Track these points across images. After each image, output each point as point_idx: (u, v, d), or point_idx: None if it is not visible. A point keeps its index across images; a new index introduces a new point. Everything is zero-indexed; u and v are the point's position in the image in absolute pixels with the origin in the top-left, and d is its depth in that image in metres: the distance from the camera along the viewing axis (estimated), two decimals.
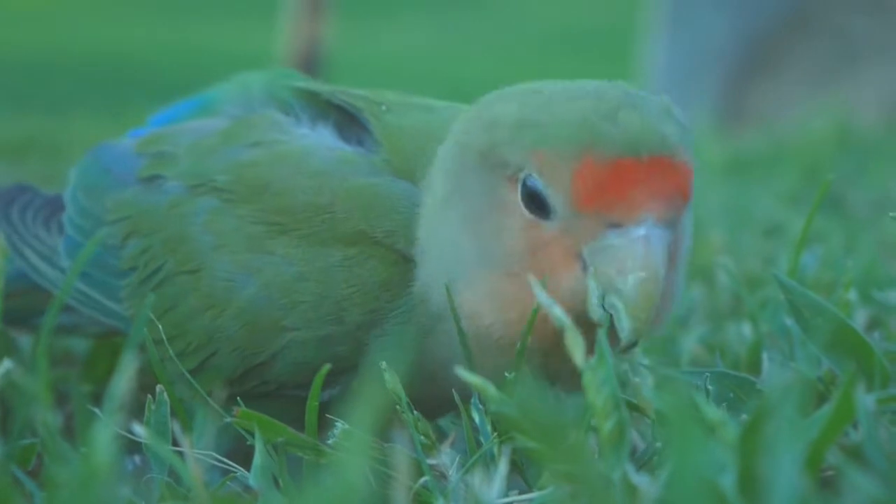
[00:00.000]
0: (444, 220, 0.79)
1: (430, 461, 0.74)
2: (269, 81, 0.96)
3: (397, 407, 0.76)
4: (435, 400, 0.82)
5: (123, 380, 0.67)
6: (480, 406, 0.77)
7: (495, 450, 0.75)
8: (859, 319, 1.06)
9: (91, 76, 9.13)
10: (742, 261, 1.50)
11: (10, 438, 0.81)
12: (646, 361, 0.92)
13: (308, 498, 0.57)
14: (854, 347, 0.78)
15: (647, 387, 0.81)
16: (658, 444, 0.75)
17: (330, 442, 0.75)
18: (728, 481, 0.60)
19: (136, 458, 0.86)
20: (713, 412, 0.66)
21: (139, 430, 0.73)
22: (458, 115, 0.83)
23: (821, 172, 2.44)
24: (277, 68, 0.99)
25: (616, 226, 0.72)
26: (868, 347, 0.77)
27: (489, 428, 0.76)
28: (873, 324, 1.07)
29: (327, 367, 0.78)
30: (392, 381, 0.76)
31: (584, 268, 0.74)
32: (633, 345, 0.73)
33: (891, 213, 0.88)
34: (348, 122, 0.88)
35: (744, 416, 0.73)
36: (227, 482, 0.77)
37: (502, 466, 0.71)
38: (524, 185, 0.74)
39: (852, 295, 0.95)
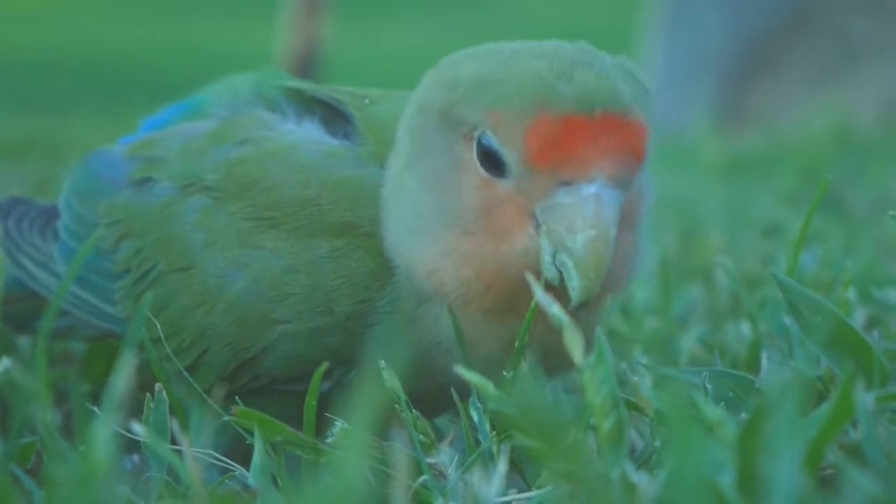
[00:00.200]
0: (406, 182, 0.79)
1: (429, 460, 0.74)
2: (256, 82, 0.96)
3: (396, 406, 0.76)
4: (428, 396, 0.81)
5: (122, 378, 0.67)
6: (479, 405, 0.77)
7: (494, 448, 0.75)
8: (858, 318, 1.06)
9: (91, 76, 9.14)
10: (741, 260, 1.50)
11: (9, 437, 0.81)
12: (645, 360, 0.92)
13: (307, 497, 0.57)
14: (853, 346, 0.78)
15: (646, 386, 0.80)
16: (657, 443, 0.75)
17: (329, 441, 0.75)
18: (727, 480, 0.60)
19: (135, 457, 0.86)
20: (712, 411, 0.66)
21: (138, 428, 0.73)
22: None
23: (820, 172, 2.44)
24: (266, 69, 0.99)
25: (567, 184, 0.72)
26: (867, 346, 0.77)
27: (488, 427, 0.76)
28: (872, 323, 1.07)
29: (325, 365, 0.78)
30: (390, 379, 0.76)
31: (537, 226, 0.74)
32: (583, 304, 0.72)
33: (890, 212, 0.88)
34: (333, 116, 0.88)
35: (743, 415, 0.73)
36: (226, 481, 0.77)
37: (501, 465, 0.71)
38: (479, 143, 0.74)
39: (851, 294, 0.95)
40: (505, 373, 0.78)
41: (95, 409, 0.76)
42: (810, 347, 0.81)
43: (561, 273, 0.72)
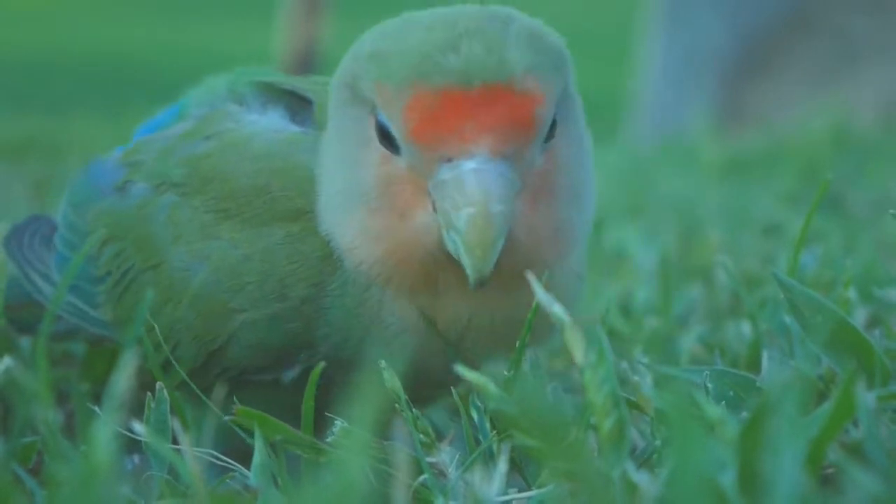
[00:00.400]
0: (327, 160, 0.79)
1: (430, 459, 0.74)
2: (232, 80, 0.95)
3: (396, 405, 0.75)
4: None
5: (123, 378, 0.67)
6: (479, 404, 0.77)
7: (494, 448, 0.75)
8: (859, 318, 1.06)
9: (91, 76, 9.13)
10: (741, 260, 1.50)
11: (10, 436, 0.81)
12: (645, 360, 0.92)
13: (307, 496, 0.57)
14: (854, 345, 0.78)
15: (647, 385, 0.80)
16: (658, 443, 0.75)
17: (329, 440, 0.75)
18: (728, 479, 0.60)
19: (135, 458, 0.86)
20: (713, 410, 0.66)
21: (139, 428, 0.73)
22: None
23: (819, 172, 2.44)
24: (245, 67, 0.99)
25: (448, 160, 0.71)
26: (868, 345, 0.77)
27: (488, 426, 0.76)
28: (873, 322, 1.07)
29: (321, 365, 0.78)
30: (391, 379, 0.76)
31: (433, 204, 0.72)
32: (481, 281, 0.70)
33: (891, 211, 0.88)
34: (299, 104, 0.87)
35: (744, 415, 0.73)
36: (227, 480, 0.77)
37: (502, 464, 0.71)
38: (377, 118, 0.73)
39: (852, 293, 0.95)
40: (505, 371, 0.78)
41: (97, 408, 0.76)
42: (811, 347, 0.81)
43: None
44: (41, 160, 3.10)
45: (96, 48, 10.47)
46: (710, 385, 0.81)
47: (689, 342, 1.11)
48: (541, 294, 0.71)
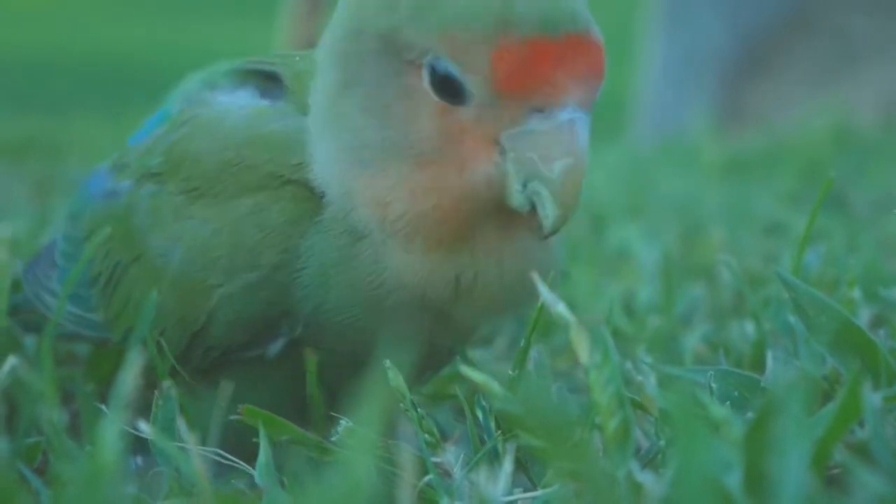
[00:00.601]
0: (340, 114, 0.76)
1: (435, 459, 0.74)
2: (207, 74, 0.94)
3: (401, 405, 0.75)
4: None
5: (129, 378, 0.67)
6: (484, 404, 0.77)
7: (500, 448, 0.75)
8: (863, 317, 1.05)
9: (91, 76, 9.13)
10: (743, 259, 1.50)
11: (15, 436, 0.81)
12: (649, 360, 0.92)
13: (313, 496, 0.57)
14: (859, 345, 0.78)
15: (651, 385, 0.81)
16: (662, 443, 0.75)
17: (334, 439, 0.75)
18: (734, 480, 0.60)
19: (139, 458, 0.86)
20: (718, 410, 0.66)
21: (145, 427, 0.73)
22: None
23: (820, 172, 2.44)
24: (222, 61, 0.98)
25: (539, 110, 0.70)
26: (873, 345, 0.77)
27: (493, 426, 0.76)
28: (877, 321, 1.07)
29: (313, 360, 0.77)
30: (395, 378, 0.75)
31: (502, 153, 0.71)
32: (555, 232, 0.71)
33: (894, 211, 0.88)
34: (269, 82, 0.86)
35: (749, 415, 0.73)
36: (232, 479, 0.77)
37: (507, 464, 0.70)
38: (433, 69, 0.72)
39: (856, 293, 0.95)
40: (510, 371, 0.78)
41: (103, 407, 0.76)
42: (816, 346, 0.80)
43: (532, 202, 0.71)
44: (41, 160, 3.09)
45: (96, 48, 10.47)
46: (714, 385, 0.81)
47: (692, 342, 1.11)
48: (545, 294, 0.71)
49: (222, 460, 0.78)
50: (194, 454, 0.71)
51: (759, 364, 0.97)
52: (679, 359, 1.06)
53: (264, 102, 0.84)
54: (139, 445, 0.78)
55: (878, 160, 2.77)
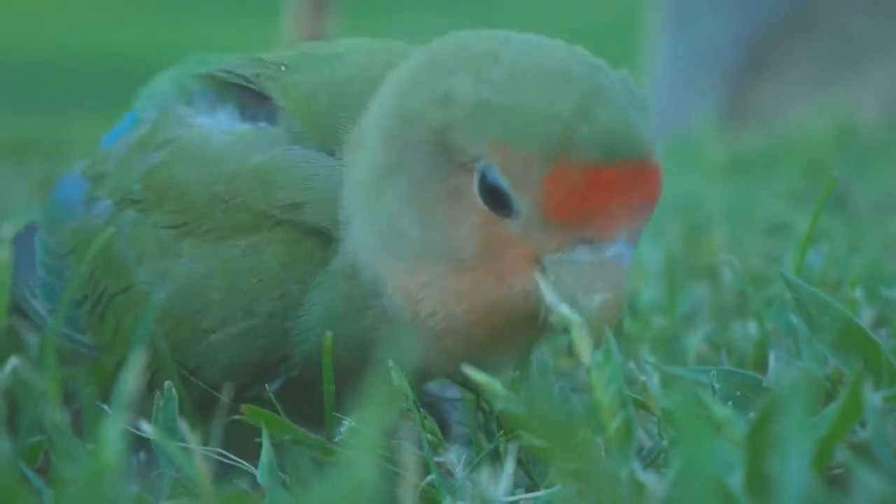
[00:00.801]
0: (381, 197, 0.73)
1: (437, 459, 0.74)
2: (179, 75, 0.90)
3: (404, 405, 0.75)
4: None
5: (130, 377, 0.67)
6: (485, 404, 0.77)
7: (502, 447, 0.75)
8: (866, 317, 1.06)
9: (91, 76, 9.13)
10: (746, 259, 1.50)
11: (18, 436, 0.81)
12: (652, 359, 0.92)
13: (316, 496, 0.57)
14: (861, 345, 0.78)
15: (654, 385, 0.81)
16: (665, 443, 0.75)
17: (337, 440, 0.75)
18: (736, 480, 0.60)
19: (141, 455, 0.86)
20: (720, 410, 0.66)
21: (146, 427, 0.73)
22: (372, 61, 0.78)
23: (823, 171, 2.44)
24: (192, 57, 0.94)
25: (586, 241, 0.69)
26: (875, 345, 0.77)
27: (495, 426, 0.76)
28: (880, 321, 1.07)
29: (331, 387, 0.77)
30: (398, 379, 0.75)
31: (543, 271, 0.70)
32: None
33: None
34: (251, 97, 0.82)
35: (751, 415, 0.73)
36: (235, 479, 0.77)
37: (509, 464, 0.70)
38: (483, 177, 0.69)
39: (858, 293, 0.95)
40: (512, 371, 0.78)
41: (105, 407, 0.76)
42: (818, 347, 0.80)
43: (567, 326, 0.69)
44: (43, 160, 3.10)
45: (97, 48, 10.47)
46: (717, 385, 0.81)
47: (695, 341, 1.11)
48: (549, 296, 0.71)
49: (225, 460, 0.78)
50: (196, 454, 0.71)
51: (761, 364, 0.97)
52: (682, 359, 1.06)
53: (246, 126, 0.80)
54: (142, 441, 0.78)
55: (881, 160, 2.77)
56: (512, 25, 0.77)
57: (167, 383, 0.78)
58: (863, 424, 0.68)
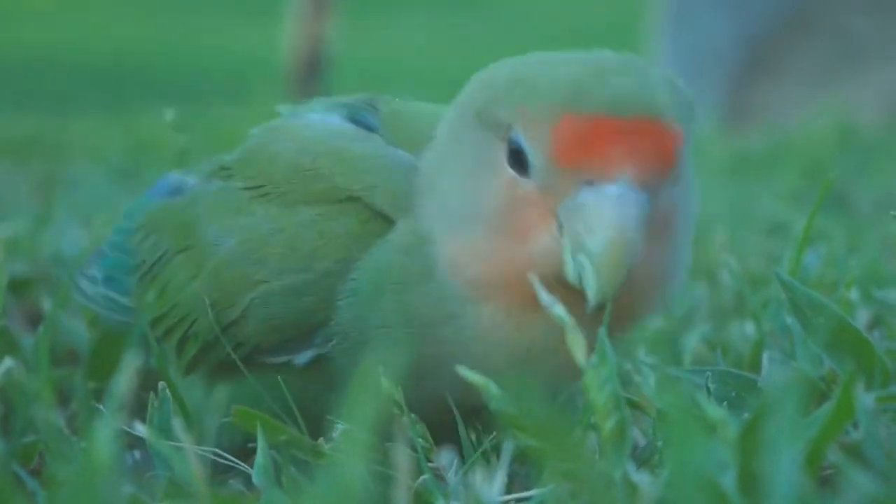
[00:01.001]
0: (438, 179, 0.79)
1: (430, 465, 0.74)
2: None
3: (395, 410, 0.75)
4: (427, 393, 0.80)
5: (125, 377, 0.67)
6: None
7: (495, 448, 0.75)
8: (862, 318, 1.06)
9: (92, 75, 9.14)
10: (745, 259, 1.50)
11: (11, 437, 0.81)
12: (648, 360, 0.92)
13: (310, 497, 0.57)
14: (855, 346, 0.78)
15: (649, 385, 0.81)
16: (660, 443, 0.75)
17: (329, 443, 0.75)
18: (729, 480, 0.60)
19: (136, 453, 0.86)
20: (714, 411, 0.66)
21: (140, 427, 0.73)
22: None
23: (823, 171, 2.44)
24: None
25: (590, 183, 0.71)
26: (869, 345, 0.77)
27: (489, 426, 0.76)
28: (876, 322, 1.07)
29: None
30: (389, 385, 0.75)
31: (560, 227, 0.72)
32: (600, 307, 0.71)
33: (892, 212, 0.88)
34: (363, 112, 0.88)
35: (745, 415, 0.73)
36: (230, 480, 0.77)
37: (502, 465, 0.70)
38: (509, 141, 0.74)
39: (854, 294, 0.95)
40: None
41: (100, 407, 0.76)
42: (812, 347, 0.81)
43: (581, 276, 0.71)
44: (43, 159, 3.10)
45: (97, 47, 10.48)
46: (712, 386, 0.81)
47: (692, 342, 1.11)
48: (543, 296, 0.71)
49: (220, 460, 0.78)
50: (191, 454, 0.71)
51: (757, 365, 0.97)
52: (679, 359, 1.06)
53: (350, 125, 0.87)
54: (137, 440, 0.78)
55: (881, 160, 2.77)
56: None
57: (161, 384, 0.78)
58: (855, 425, 0.68)
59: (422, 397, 0.78)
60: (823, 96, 3.95)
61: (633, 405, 0.79)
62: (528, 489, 0.73)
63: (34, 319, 1.20)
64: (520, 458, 0.75)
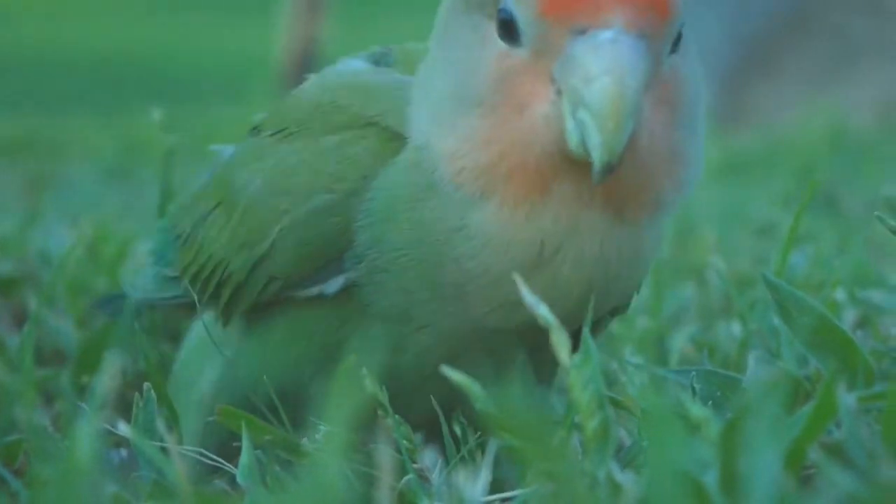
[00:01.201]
0: (429, 78, 0.77)
1: (415, 466, 0.74)
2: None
3: (379, 412, 0.75)
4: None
5: (107, 377, 0.67)
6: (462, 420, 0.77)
7: (478, 449, 0.75)
8: (848, 318, 1.06)
9: (89, 75, 9.13)
10: (734, 260, 1.50)
11: None
12: (635, 360, 0.92)
13: (292, 496, 0.57)
14: (839, 345, 0.78)
15: (634, 385, 0.81)
16: (645, 443, 0.75)
17: (312, 442, 0.75)
18: (711, 479, 0.60)
19: (122, 452, 0.86)
20: (697, 410, 0.66)
21: (124, 427, 0.73)
22: None
23: (815, 173, 2.44)
24: None
25: (581, 32, 0.68)
26: (853, 345, 0.77)
27: (473, 426, 0.76)
28: (862, 323, 1.08)
29: None
30: (371, 385, 0.74)
31: (558, 91, 0.69)
32: (608, 168, 0.67)
33: (876, 213, 0.88)
34: (383, 56, 0.89)
35: (729, 415, 0.73)
36: (215, 479, 0.77)
37: (486, 465, 0.70)
38: (499, 13, 0.71)
39: (840, 294, 0.95)
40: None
41: (85, 406, 0.76)
42: (797, 347, 0.81)
43: (584, 139, 0.68)
44: (36, 158, 3.10)
45: (93, 46, 10.47)
46: (697, 385, 0.81)
47: (680, 342, 1.11)
48: (527, 296, 0.71)
49: (205, 460, 0.78)
50: (175, 454, 0.71)
51: (744, 365, 0.97)
52: (665, 359, 1.06)
53: (368, 65, 0.87)
54: (123, 438, 0.78)
55: (874, 161, 2.77)
56: None
57: (146, 385, 0.78)
58: (838, 425, 0.68)
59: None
60: (817, 97, 3.95)
61: (619, 405, 0.79)
62: (511, 489, 0.73)
63: (21, 319, 1.20)
64: (503, 457, 0.75)
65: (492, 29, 0.72)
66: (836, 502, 0.57)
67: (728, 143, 3.30)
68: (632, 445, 0.77)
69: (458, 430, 0.79)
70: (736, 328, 1.10)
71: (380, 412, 0.75)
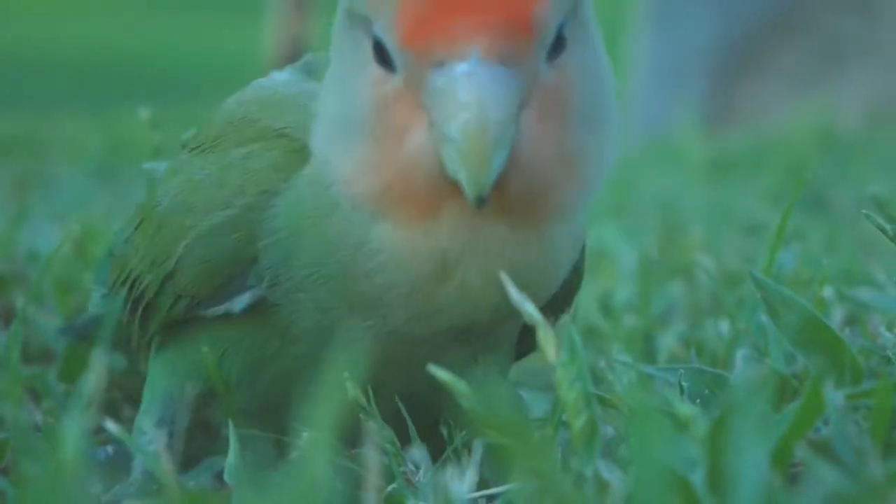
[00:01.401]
0: (327, 84, 0.75)
1: (401, 468, 0.74)
2: None
3: (362, 415, 0.74)
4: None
5: (93, 375, 0.67)
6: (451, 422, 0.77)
7: (465, 446, 0.75)
8: (836, 316, 1.06)
9: (81, 74, 9.12)
10: (722, 258, 1.51)
11: None
12: (623, 358, 0.92)
13: (280, 494, 0.57)
14: (827, 343, 0.78)
15: (622, 383, 0.80)
16: (632, 441, 0.75)
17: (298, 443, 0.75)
18: (698, 477, 0.60)
19: (109, 448, 0.85)
20: (684, 408, 0.66)
21: (112, 425, 0.72)
22: None
23: (803, 172, 2.45)
24: None
25: (441, 65, 0.65)
26: (840, 342, 0.77)
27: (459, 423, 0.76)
28: (851, 321, 1.08)
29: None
30: (353, 389, 0.74)
31: (431, 121, 0.67)
32: (479, 201, 0.65)
33: (863, 211, 0.88)
34: (314, 64, 0.86)
35: (716, 412, 0.73)
36: (200, 477, 0.77)
37: (472, 463, 0.70)
38: (373, 36, 0.68)
39: (828, 292, 0.95)
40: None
41: (71, 404, 0.76)
42: (785, 344, 0.81)
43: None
44: (25, 157, 3.09)
45: (84, 46, 10.45)
46: (684, 383, 0.81)
47: (668, 340, 1.11)
48: (513, 293, 0.70)
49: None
50: (161, 452, 0.71)
51: (731, 363, 0.97)
52: (653, 358, 1.06)
53: (296, 76, 0.85)
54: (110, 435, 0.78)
55: (861, 161, 2.78)
56: None
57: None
58: (826, 422, 0.68)
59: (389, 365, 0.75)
60: (807, 97, 3.95)
61: (606, 403, 0.79)
62: (497, 486, 0.73)
63: (8, 317, 1.20)
64: (489, 455, 0.75)
65: (369, 49, 0.69)
66: (824, 500, 0.57)
67: (716, 142, 3.30)
68: (619, 443, 0.77)
69: (444, 430, 0.79)
70: (724, 326, 1.11)
71: (362, 416, 0.74)
